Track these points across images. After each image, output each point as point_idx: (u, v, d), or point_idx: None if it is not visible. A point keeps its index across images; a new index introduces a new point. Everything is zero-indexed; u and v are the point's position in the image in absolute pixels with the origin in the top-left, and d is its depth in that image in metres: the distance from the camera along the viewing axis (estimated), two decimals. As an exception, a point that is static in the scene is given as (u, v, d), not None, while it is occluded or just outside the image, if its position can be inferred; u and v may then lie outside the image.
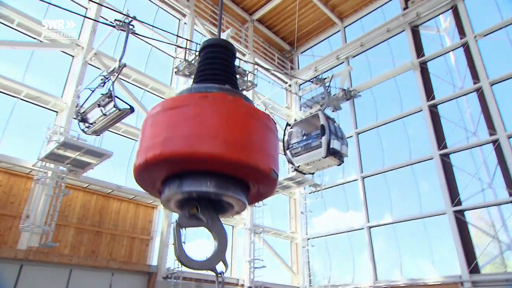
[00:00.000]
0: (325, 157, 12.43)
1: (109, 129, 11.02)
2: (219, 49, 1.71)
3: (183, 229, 1.48)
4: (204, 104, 1.32)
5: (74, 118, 10.02)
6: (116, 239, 11.53)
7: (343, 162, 13.19)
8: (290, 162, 13.61)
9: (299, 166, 13.54)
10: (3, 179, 9.67)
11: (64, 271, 10.04)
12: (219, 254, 1.38)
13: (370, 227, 15.42)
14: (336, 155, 12.60)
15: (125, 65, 9.79)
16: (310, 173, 14.65)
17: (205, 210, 1.42)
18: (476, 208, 13.22)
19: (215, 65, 1.61)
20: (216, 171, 1.29)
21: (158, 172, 1.37)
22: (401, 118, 16.06)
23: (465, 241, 12.61)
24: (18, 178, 9.96)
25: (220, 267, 1.43)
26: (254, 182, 1.49)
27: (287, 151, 13.56)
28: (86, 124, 9.73)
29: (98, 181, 11.54)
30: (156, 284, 11.47)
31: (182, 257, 1.36)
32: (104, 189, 11.66)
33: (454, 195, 13.33)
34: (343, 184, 17.09)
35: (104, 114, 9.42)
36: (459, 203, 13.16)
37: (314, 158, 12.72)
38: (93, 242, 11.01)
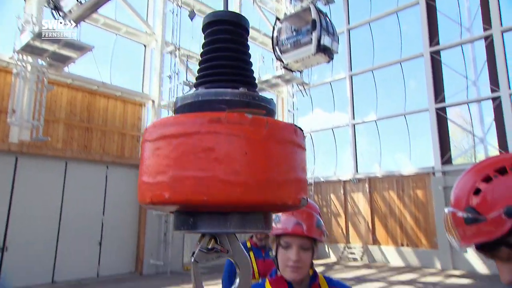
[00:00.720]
0: (315, 54, 12.15)
1: (87, 21, 10.32)
2: (227, 27, 1.22)
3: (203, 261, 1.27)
4: (217, 132, 1.02)
5: (46, 6, 9.24)
6: (107, 135, 11.78)
7: (332, 59, 12.96)
8: (278, 59, 13.29)
9: (287, 63, 13.29)
10: (-20, 72, 9.31)
11: (59, 164, 10.43)
12: (244, 286, 1.23)
13: (354, 124, 15.97)
14: (326, 52, 12.30)
15: None
16: (298, 71, 14.51)
17: (224, 241, 1.22)
18: (458, 105, 13.62)
19: (225, 54, 1.17)
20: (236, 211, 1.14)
21: (166, 209, 1.20)
22: (395, 12, 15.32)
23: (442, 136, 13.29)
24: (-4, 71, 9.59)
25: None
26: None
27: (276, 48, 13.15)
28: (61, 13, 9.02)
29: (82, 77, 11.27)
30: (150, 176, 12.13)
31: None
32: (89, 86, 11.44)
33: (438, 93, 13.57)
34: (330, 82, 17.08)
35: (80, 2, 8.70)
36: (442, 100, 13.48)
37: (303, 55, 12.42)
38: (85, 138, 11.24)
